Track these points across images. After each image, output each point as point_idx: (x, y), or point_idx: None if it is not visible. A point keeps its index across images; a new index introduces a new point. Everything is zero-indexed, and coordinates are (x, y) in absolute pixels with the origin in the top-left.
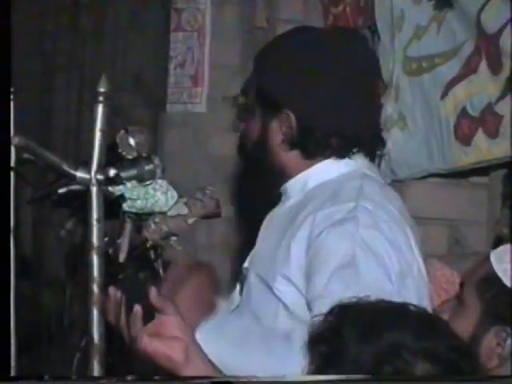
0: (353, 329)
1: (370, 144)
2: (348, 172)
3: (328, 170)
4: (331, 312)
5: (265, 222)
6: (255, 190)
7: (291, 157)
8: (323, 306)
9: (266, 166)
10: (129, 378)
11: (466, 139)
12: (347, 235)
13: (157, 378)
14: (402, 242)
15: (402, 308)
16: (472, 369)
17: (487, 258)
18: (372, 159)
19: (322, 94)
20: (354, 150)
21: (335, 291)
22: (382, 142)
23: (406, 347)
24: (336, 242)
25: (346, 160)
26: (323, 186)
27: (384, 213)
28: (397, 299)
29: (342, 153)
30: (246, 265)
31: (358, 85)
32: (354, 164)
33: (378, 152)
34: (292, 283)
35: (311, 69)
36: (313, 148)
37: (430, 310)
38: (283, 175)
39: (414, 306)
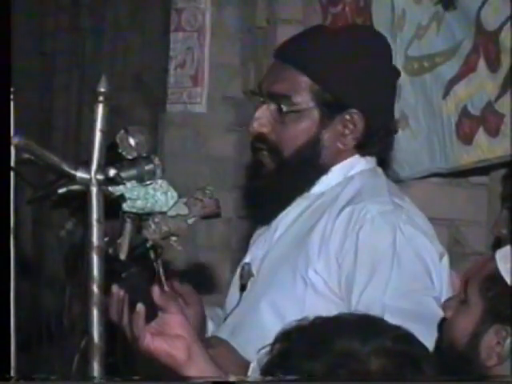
0: (301, 348)
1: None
2: (369, 169)
3: (354, 165)
4: (276, 340)
5: (282, 215)
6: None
7: (345, 155)
8: (367, 298)
9: (306, 165)
10: (129, 378)
11: (467, 138)
12: (388, 228)
13: (158, 378)
14: (434, 232)
15: (338, 319)
16: (424, 353)
17: (492, 256)
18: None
19: (381, 92)
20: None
21: (378, 286)
22: None
23: (355, 351)
24: (376, 235)
25: (367, 157)
26: (349, 180)
27: (412, 207)
28: (433, 293)
29: (372, 150)
30: (247, 260)
31: (394, 81)
32: (372, 161)
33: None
34: (322, 277)
35: (368, 67)
36: (371, 147)
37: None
38: (314, 171)
39: (349, 314)
